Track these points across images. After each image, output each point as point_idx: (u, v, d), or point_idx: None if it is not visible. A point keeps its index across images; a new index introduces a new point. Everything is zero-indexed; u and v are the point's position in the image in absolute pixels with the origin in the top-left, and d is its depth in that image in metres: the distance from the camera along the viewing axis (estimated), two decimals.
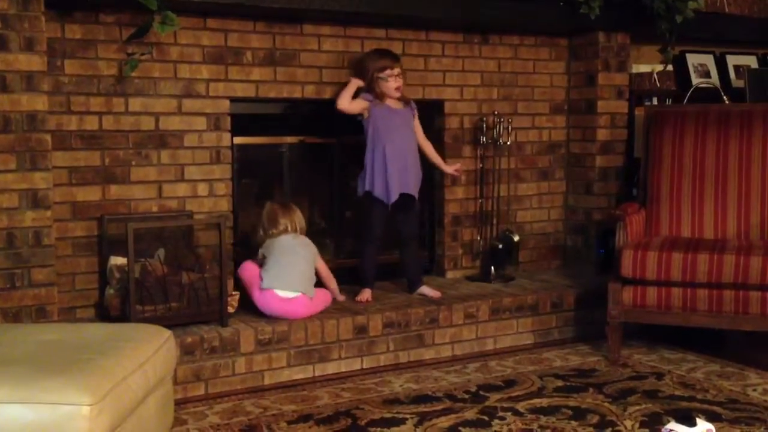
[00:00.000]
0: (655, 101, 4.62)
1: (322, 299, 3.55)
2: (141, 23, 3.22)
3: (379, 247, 3.84)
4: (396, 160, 3.70)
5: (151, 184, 3.49)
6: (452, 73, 4.16)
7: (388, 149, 3.69)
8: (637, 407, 3.00)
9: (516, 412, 2.95)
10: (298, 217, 3.62)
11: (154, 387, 2.27)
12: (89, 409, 1.88)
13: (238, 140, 3.73)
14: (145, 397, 2.21)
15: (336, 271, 3.76)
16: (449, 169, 4.01)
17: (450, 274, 4.26)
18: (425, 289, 3.85)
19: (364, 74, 3.75)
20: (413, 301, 3.75)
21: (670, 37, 4.27)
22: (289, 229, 3.57)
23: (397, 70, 3.73)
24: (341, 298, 3.70)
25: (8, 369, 1.98)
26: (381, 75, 3.70)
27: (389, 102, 3.76)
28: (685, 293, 3.42)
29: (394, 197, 3.71)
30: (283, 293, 3.39)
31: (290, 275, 3.42)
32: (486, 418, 2.90)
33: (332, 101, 3.79)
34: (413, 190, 3.78)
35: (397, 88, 3.73)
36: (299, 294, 3.41)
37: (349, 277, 3.85)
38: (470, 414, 2.94)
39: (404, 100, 3.81)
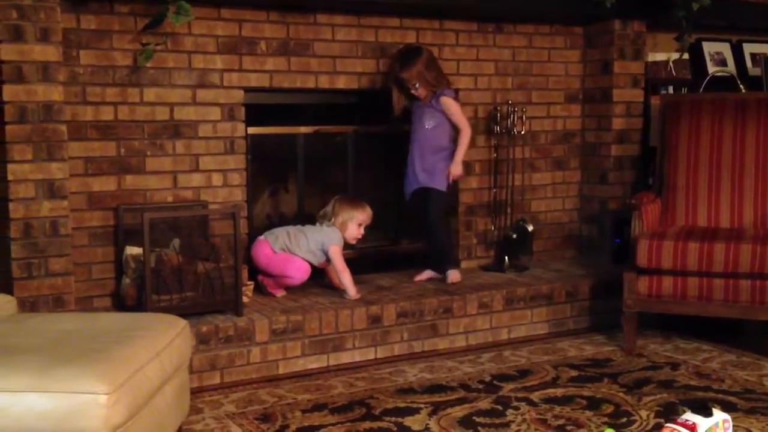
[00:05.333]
0: (670, 90, 4.58)
1: (294, 261, 3.59)
2: (155, 13, 3.23)
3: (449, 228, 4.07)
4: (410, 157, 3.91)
5: (166, 175, 3.50)
6: (466, 62, 4.15)
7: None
8: (653, 397, 3.00)
9: (530, 402, 2.95)
10: (340, 215, 3.70)
11: (170, 376, 2.29)
12: (106, 398, 1.89)
13: (252, 130, 3.73)
14: (162, 386, 2.22)
15: (350, 262, 3.74)
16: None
17: (464, 264, 4.25)
18: (449, 274, 3.91)
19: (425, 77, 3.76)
20: (427, 291, 3.75)
21: (686, 25, 4.23)
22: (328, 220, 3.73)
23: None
24: (353, 295, 3.58)
25: (26, 358, 2.00)
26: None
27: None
28: (701, 283, 3.41)
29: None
30: (263, 238, 3.65)
31: (278, 230, 3.67)
32: (500, 407, 2.90)
33: (346, 91, 3.79)
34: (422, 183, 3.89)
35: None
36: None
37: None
38: (484, 404, 2.94)
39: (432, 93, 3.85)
